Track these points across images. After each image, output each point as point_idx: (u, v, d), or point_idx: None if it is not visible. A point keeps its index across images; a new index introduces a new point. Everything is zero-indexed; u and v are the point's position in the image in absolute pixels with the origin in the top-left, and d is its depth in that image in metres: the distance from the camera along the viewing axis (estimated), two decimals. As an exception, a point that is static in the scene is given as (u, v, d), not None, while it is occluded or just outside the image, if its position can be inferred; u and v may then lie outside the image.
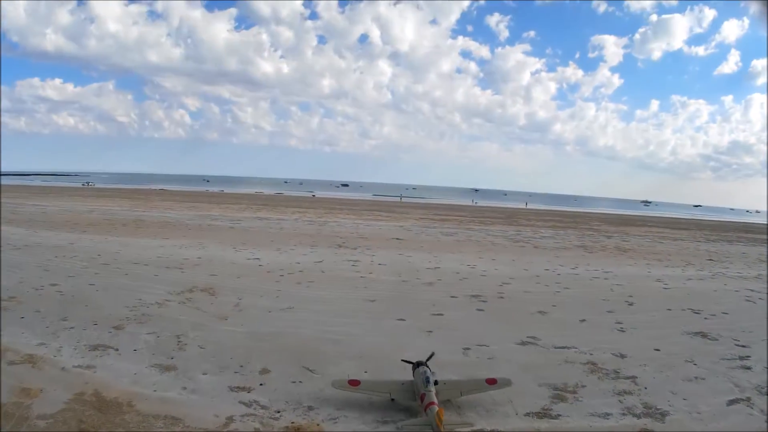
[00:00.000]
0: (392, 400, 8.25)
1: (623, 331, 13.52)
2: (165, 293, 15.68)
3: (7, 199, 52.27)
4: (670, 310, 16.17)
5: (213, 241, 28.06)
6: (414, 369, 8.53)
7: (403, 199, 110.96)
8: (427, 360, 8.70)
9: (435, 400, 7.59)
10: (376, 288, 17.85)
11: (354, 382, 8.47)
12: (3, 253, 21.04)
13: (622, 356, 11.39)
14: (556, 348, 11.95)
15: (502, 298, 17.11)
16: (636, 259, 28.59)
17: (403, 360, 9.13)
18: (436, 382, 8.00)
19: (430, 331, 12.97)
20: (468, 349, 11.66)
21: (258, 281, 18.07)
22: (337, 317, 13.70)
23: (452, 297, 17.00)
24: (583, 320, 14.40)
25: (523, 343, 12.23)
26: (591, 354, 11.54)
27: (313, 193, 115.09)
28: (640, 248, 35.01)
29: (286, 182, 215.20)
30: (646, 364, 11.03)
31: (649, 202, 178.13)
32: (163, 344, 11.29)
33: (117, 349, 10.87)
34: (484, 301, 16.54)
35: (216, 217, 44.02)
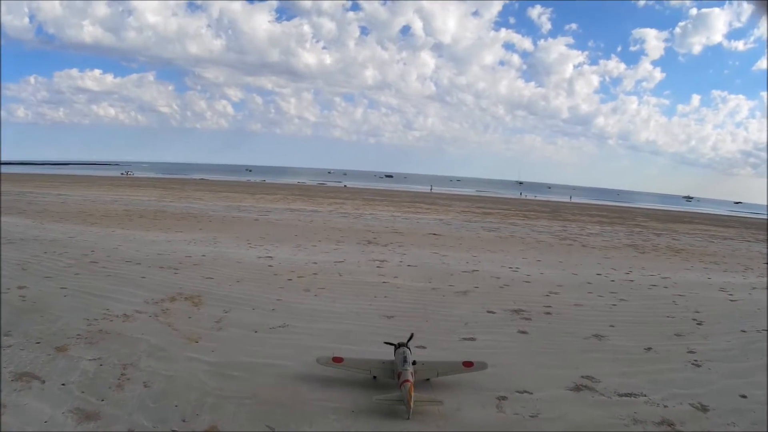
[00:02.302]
0: (374, 377, 8.98)
1: (698, 366, 10.88)
2: (141, 302, 13.53)
3: (33, 189, 52.54)
4: (744, 332, 13.59)
5: (229, 236, 26.15)
6: (395, 349, 9.17)
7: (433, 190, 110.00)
8: (408, 341, 9.37)
9: (410, 378, 8.14)
10: (399, 298, 15.23)
11: (338, 359, 9.21)
12: None
13: (704, 408, 8.77)
14: (619, 396, 9.10)
15: (549, 314, 14.47)
16: (691, 262, 26.58)
17: (385, 342, 9.63)
18: (414, 362, 8.66)
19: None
20: (504, 398, 8.77)
21: (258, 287, 15.66)
22: (338, 341, 11.04)
23: (489, 312, 14.25)
24: (649, 348, 11.78)
25: (577, 388, 9.35)
26: (665, 406, 8.75)
27: (345, 184, 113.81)
28: (692, 249, 32.84)
29: (329, 173, 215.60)
30: (734, 422, 8.30)
31: (691, 198, 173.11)
32: (102, 377, 8.99)
33: (44, 381, 8.74)
34: (527, 319, 13.76)
35: (245, 208, 42.48)
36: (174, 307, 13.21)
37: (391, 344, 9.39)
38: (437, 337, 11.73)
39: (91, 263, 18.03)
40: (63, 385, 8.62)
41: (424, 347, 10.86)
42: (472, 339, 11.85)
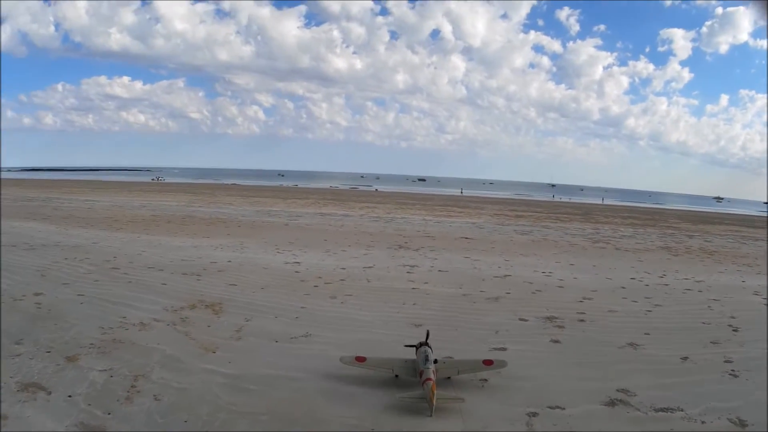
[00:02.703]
0: (396, 376, 9.13)
1: (735, 377, 10.17)
2: (159, 309, 13.10)
3: (60, 195, 53.25)
4: (779, 338, 12.65)
5: (257, 241, 25.73)
6: (417, 349, 9.32)
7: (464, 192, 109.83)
8: (426, 339, 9.48)
9: (432, 376, 8.26)
10: (428, 305, 14.51)
11: (361, 359, 9.39)
12: (11, 254, 19.60)
13: (742, 424, 8.11)
14: (656, 411, 8.38)
15: (582, 321, 13.74)
16: (724, 264, 25.63)
17: (406, 345, 9.78)
18: (435, 361, 8.78)
19: (485, 380, 9.39)
20: (534, 414, 8.01)
21: (283, 294, 15.09)
22: (363, 352, 10.30)
23: (521, 320, 13.48)
24: (686, 358, 11.06)
25: (611, 403, 8.60)
26: (702, 421, 8.11)
27: (376, 188, 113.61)
28: (725, 250, 31.69)
29: (362, 177, 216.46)
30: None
31: (722, 199, 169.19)
32: (111, 389, 8.52)
33: (50, 393, 8.33)
34: (560, 327, 12.98)
35: (275, 213, 42.24)
36: (193, 315, 12.72)
37: (412, 346, 9.57)
38: (467, 347, 11.00)
39: (112, 269, 17.74)
40: (69, 396, 8.18)
41: (450, 357, 10.15)
42: (503, 349, 11.06)
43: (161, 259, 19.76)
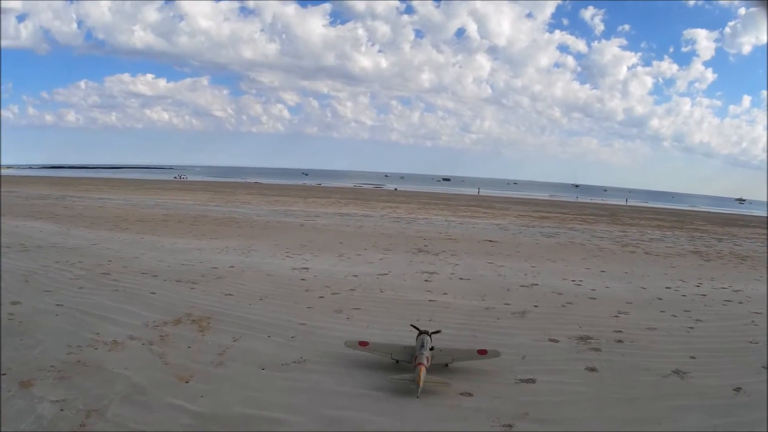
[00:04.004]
0: (396, 361, 9.75)
1: None
2: (139, 324, 11.82)
3: (75, 193, 52.95)
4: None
5: (267, 243, 24.45)
6: (417, 335, 9.98)
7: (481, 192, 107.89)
8: (433, 333, 10.07)
9: (423, 362, 8.99)
10: (447, 321, 12.80)
11: (363, 343, 10.13)
12: (5, 255, 18.88)
13: None
14: None
15: (620, 342, 12.22)
16: (759, 270, 24.25)
17: (411, 325, 10.65)
18: (432, 348, 9.56)
19: (510, 426, 7.81)
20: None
21: (283, 307, 13.66)
22: (365, 386, 8.82)
23: (551, 341, 11.93)
24: (738, 389, 9.62)
25: None
26: None
27: (395, 188, 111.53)
28: (756, 255, 30.29)
29: (386, 176, 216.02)
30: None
31: (744, 200, 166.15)
32: (57, 427, 7.29)
33: None
34: (596, 350, 11.43)
35: (292, 213, 41.06)
36: (176, 332, 11.35)
37: (416, 329, 10.32)
38: (488, 378, 9.49)
39: (102, 275, 16.62)
40: (0, 438, 6.86)
41: (470, 394, 8.65)
42: (531, 381, 9.51)
43: (159, 264, 18.60)
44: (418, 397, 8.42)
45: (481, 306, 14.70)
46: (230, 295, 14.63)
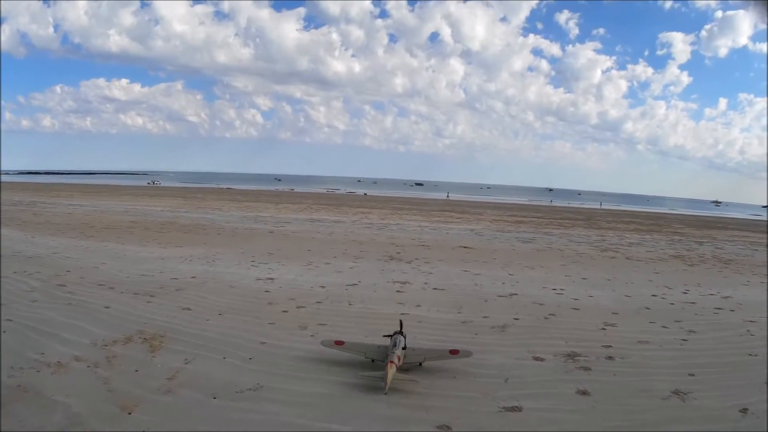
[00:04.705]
0: (372, 361, 9.98)
1: None
2: (87, 344, 10.93)
3: (47, 199, 51.51)
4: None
5: (233, 251, 23.60)
6: (392, 335, 10.26)
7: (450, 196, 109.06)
8: (401, 328, 10.46)
9: (394, 360, 9.28)
10: (420, 337, 11.80)
11: (339, 342, 10.49)
12: None
13: None
14: None
15: (611, 358, 11.40)
16: (745, 275, 24.01)
17: (384, 335, 10.61)
18: (404, 347, 9.88)
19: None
20: None
21: (242, 322, 12.80)
22: (330, 417, 8.06)
23: (536, 359, 11.10)
24: (745, 410, 8.93)
25: None
26: None
27: (365, 193, 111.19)
28: (740, 259, 30.27)
29: (359, 181, 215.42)
30: None
31: (720, 203, 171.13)
32: None
33: None
34: (585, 369, 10.62)
35: (262, 219, 40.17)
36: (124, 352, 10.46)
37: (389, 336, 10.38)
38: (468, 405, 8.65)
39: (57, 287, 15.73)
40: None
41: (448, 428, 7.90)
42: (517, 409, 8.64)
43: (118, 274, 17.69)
44: (386, 393, 8.75)
45: (457, 319, 13.93)
46: (188, 309, 13.75)
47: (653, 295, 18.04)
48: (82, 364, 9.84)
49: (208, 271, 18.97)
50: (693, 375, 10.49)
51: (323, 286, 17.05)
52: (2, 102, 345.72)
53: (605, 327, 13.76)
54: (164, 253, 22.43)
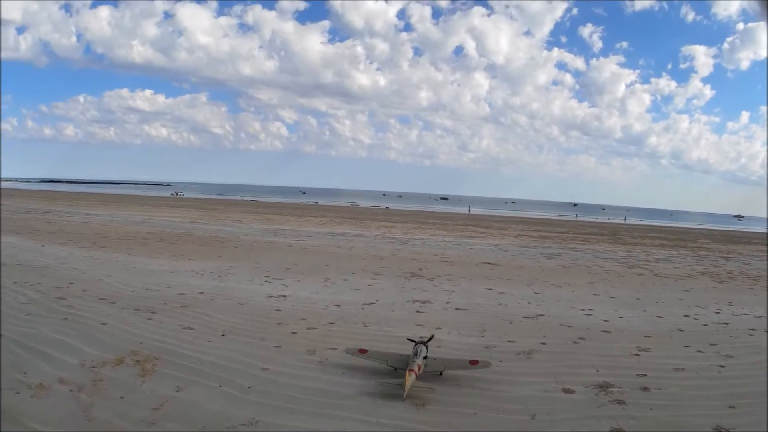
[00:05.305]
0: (395, 369, 10.05)
1: None
2: (75, 364, 10.05)
3: (64, 207, 51.52)
4: None
5: (248, 266, 22.68)
6: (414, 344, 10.42)
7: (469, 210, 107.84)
8: (428, 340, 10.71)
9: (414, 368, 9.44)
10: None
11: (363, 351, 10.77)
12: None
13: None
14: None
15: (646, 389, 10.14)
16: None
17: (408, 338, 11.07)
18: (425, 357, 10.01)
19: None
20: None
21: (246, 345, 11.76)
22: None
23: (565, 391, 9.89)
24: None
25: None
26: None
27: (387, 206, 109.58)
28: None
29: (384, 195, 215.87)
30: None
31: (743, 217, 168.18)
32: None
33: None
34: (620, 403, 9.37)
35: (282, 232, 39.30)
36: (113, 375, 9.54)
37: (413, 341, 10.67)
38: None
39: (56, 300, 14.96)
40: None
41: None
42: None
43: (122, 288, 16.88)
44: (404, 399, 8.93)
45: (480, 344, 12.75)
46: (189, 328, 12.77)
47: (685, 316, 16.81)
48: (66, 387, 8.94)
49: (218, 286, 18.08)
50: (733, 408, 9.34)
51: (338, 305, 16.01)
52: (24, 110, 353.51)
53: (638, 352, 12.53)
54: (175, 266, 21.64)
